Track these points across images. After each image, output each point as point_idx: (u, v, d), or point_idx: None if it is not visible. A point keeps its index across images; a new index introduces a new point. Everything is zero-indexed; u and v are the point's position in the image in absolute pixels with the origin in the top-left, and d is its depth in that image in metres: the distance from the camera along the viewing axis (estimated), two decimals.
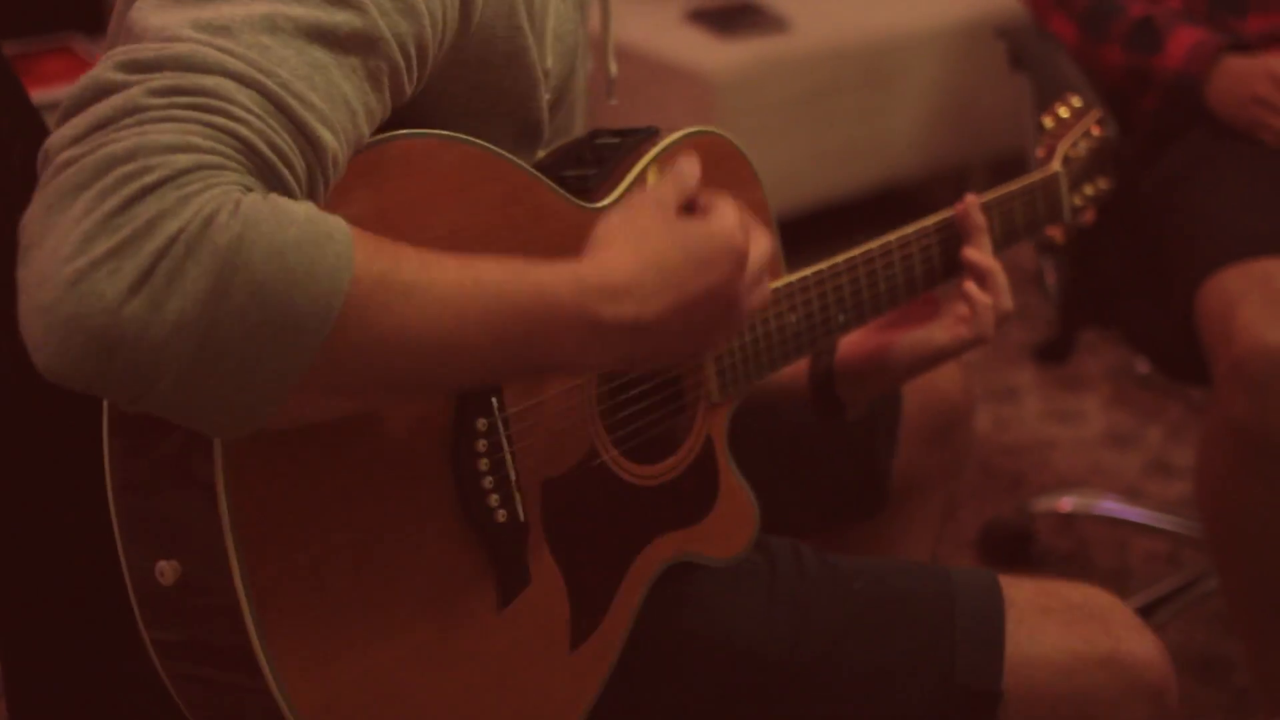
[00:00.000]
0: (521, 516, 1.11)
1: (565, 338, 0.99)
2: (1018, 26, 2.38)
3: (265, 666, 0.96)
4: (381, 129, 1.01)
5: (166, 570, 0.97)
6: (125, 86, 0.86)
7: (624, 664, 1.20)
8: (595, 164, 1.21)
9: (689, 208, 1.12)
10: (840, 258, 1.37)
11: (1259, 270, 1.88)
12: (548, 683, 1.15)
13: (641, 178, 1.23)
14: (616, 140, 1.24)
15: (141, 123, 0.84)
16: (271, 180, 0.88)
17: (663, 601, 1.24)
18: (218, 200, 0.83)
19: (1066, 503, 2.60)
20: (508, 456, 1.10)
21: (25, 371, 0.86)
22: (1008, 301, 1.40)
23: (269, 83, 0.88)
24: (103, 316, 0.81)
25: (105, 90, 0.86)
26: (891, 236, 1.40)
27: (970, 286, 1.40)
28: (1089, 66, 2.21)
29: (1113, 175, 1.69)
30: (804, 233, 3.24)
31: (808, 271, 1.34)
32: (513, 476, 1.10)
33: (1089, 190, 1.65)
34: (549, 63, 1.20)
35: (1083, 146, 1.64)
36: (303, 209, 0.87)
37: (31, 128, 1.20)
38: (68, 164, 0.84)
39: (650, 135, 1.26)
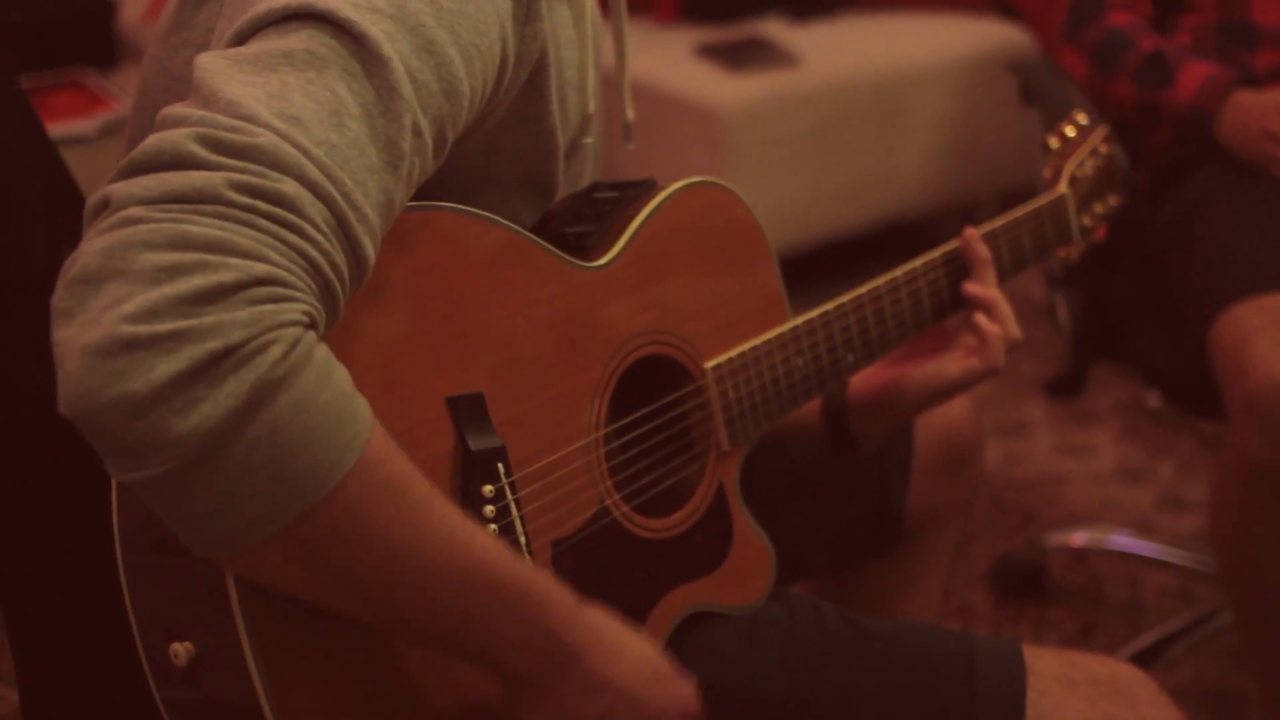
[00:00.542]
0: None
1: (515, 628, 0.99)
2: (1029, 61, 2.38)
3: None
4: None
5: (180, 652, 0.98)
6: (206, 166, 0.87)
7: None
8: (594, 220, 1.21)
9: None
10: (846, 297, 1.36)
11: (1273, 305, 1.87)
12: None
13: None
14: (615, 194, 1.24)
15: (223, 218, 0.85)
16: (326, 297, 0.90)
17: (682, 653, 1.23)
18: (279, 334, 0.85)
19: (1079, 537, 2.60)
20: (516, 521, 1.10)
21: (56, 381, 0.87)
22: (1015, 330, 1.40)
23: (336, 195, 0.90)
24: (143, 387, 0.82)
25: (183, 162, 0.87)
26: (898, 272, 1.40)
27: (979, 318, 1.40)
28: (1100, 101, 2.21)
29: (1122, 191, 1.67)
30: (813, 267, 3.25)
31: (814, 314, 1.34)
32: (522, 540, 1.10)
33: (1099, 208, 1.64)
34: (591, 108, 1.21)
35: (1090, 165, 1.62)
36: (341, 380, 0.89)
37: (50, 164, 1.21)
38: (138, 221, 0.85)
39: (649, 188, 1.26)
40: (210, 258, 0.84)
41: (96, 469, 1.03)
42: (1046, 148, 1.64)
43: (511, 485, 1.09)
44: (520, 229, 1.13)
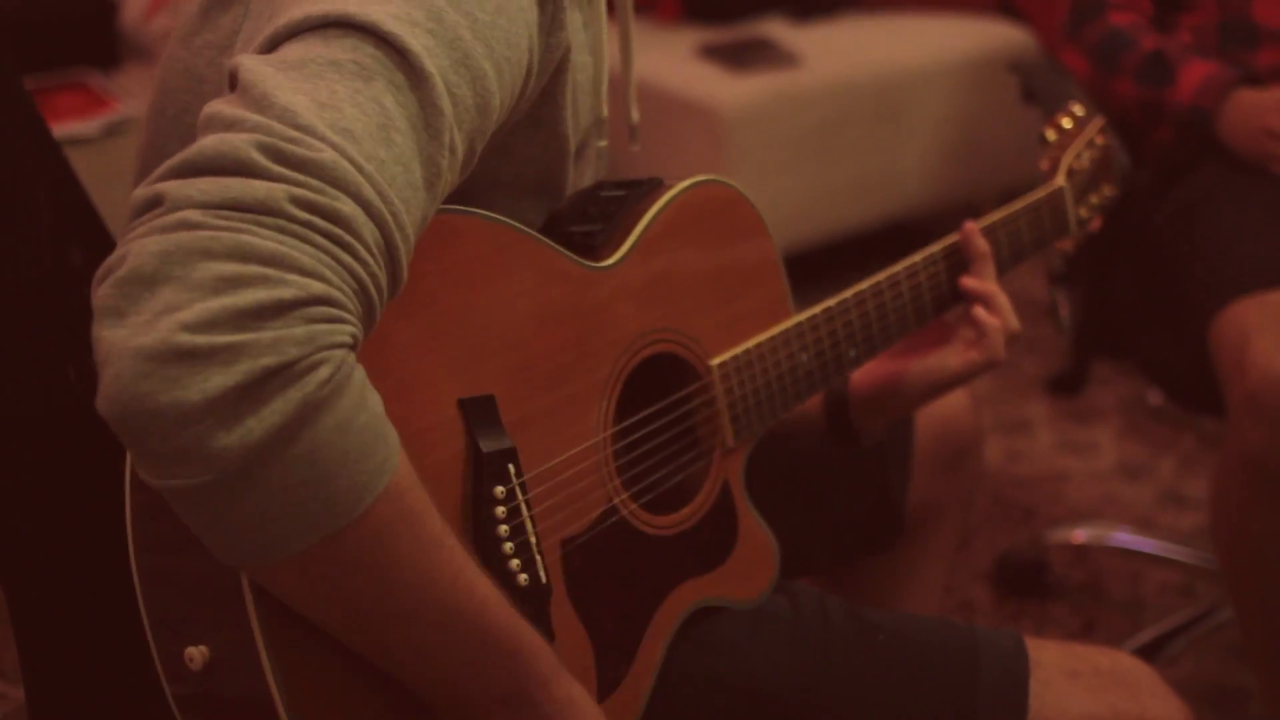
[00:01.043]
0: (543, 579, 1.11)
1: (496, 680, 1.00)
2: (1029, 60, 2.39)
3: None
4: None
5: (195, 656, 0.98)
6: (267, 176, 0.86)
7: (652, 709, 1.20)
8: (601, 219, 1.21)
9: None
10: (848, 292, 1.37)
11: (1273, 302, 1.88)
12: None
13: None
14: (621, 193, 1.24)
15: (282, 230, 0.85)
16: (368, 315, 0.91)
17: (688, 646, 1.24)
18: (329, 354, 0.86)
19: (1080, 534, 2.60)
20: (527, 521, 1.10)
21: (68, 401, 0.87)
22: (1014, 322, 1.41)
23: (387, 216, 0.90)
24: (196, 396, 0.82)
25: (244, 169, 0.86)
26: (898, 267, 1.40)
27: (977, 311, 1.40)
28: (1101, 100, 2.21)
29: (1118, 181, 1.68)
30: (815, 266, 3.25)
31: (816, 309, 1.35)
32: (533, 540, 1.11)
33: (1095, 199, 1.65)
34: (604, 111, 1.22)
35: (1086, 157, 1.63)
36: (375, 403, 0.90)
37: (55, 163, 1.22)
38: (196, 225, 0.84)
39: (655, 187, 1.26)
40: (271, 272, 0.84)
41: (104, 467, 1.04)
42: (1043, 140, 1.65)
43: (522, 486, 1.10)
44: (529, 230, 1.13)
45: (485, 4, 1.00)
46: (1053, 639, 1.31)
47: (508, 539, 1.08)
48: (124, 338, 0.83)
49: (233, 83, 0.93)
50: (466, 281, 1.08)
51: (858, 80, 3.52)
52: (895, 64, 3.58)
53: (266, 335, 0.83)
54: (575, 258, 1.17)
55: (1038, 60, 2.36)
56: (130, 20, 3.47)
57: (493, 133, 1.10)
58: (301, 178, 0.87)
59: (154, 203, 0.86)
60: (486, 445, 1.07)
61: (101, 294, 0.85)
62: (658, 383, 1.26)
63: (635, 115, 1.39)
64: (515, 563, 1.09)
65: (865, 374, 1.44)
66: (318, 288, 0.85)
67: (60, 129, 2.90)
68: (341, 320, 0.87)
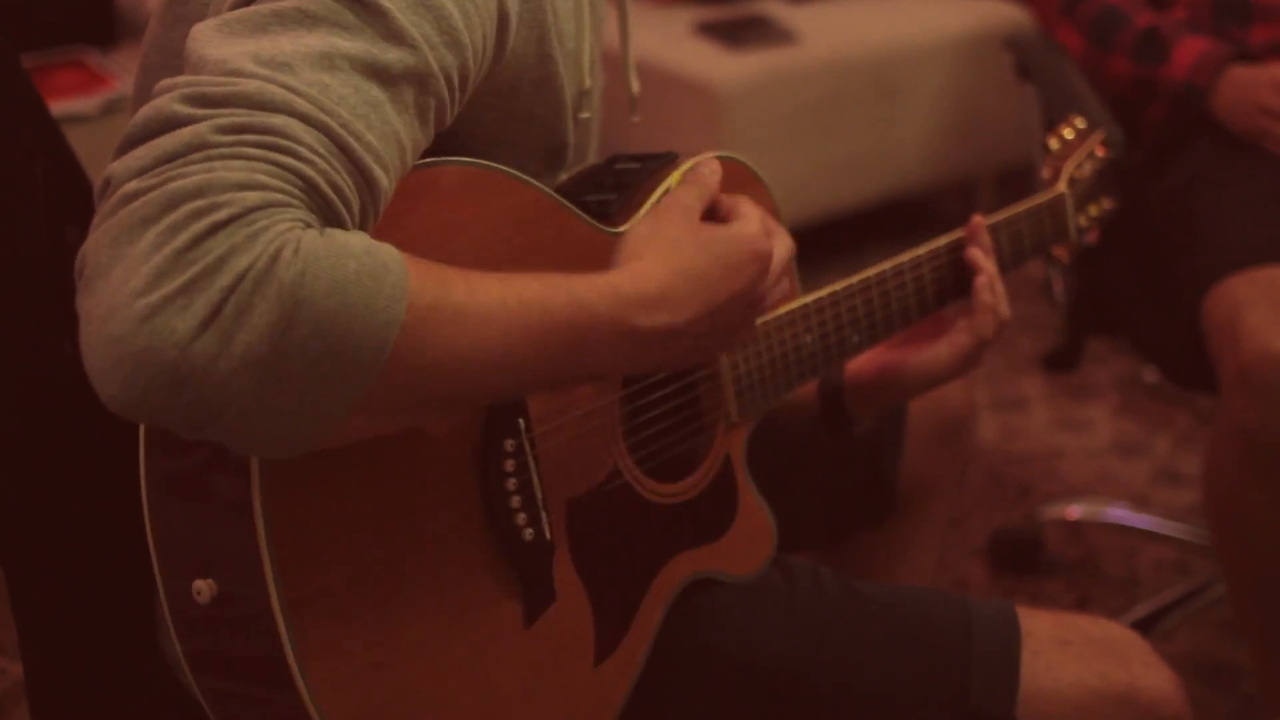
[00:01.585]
0: (548, 535, 1.12)
1: (604, 347, 1.02)
2: (1025, 37, 2.39)
3: (300, 682, 0.97)
4: None
5: (203, 589, 0.99)
6: (192, 120, 0.86)
7: (645, 677, 1.22)
8: (615, 189, 1.22)
9: (713, 212, 1.16)
10: (854, 279, 1.38)
11: (1265, 278, 1.89)
12: (574, 697, 1.16)
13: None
14: (636, 165, 1.25)
15: (209, 159, 0.85)
16: (330, 217, 0.89)
17: (683, 616, 1.25)
18: (281, 238, 0.85)
19: (1075, 511, 2.61)
20: (534, 476, 1.11)
21: (65, 377, 0.87)
22: (1005, 309, 1.43)
23: (332, 123, 0.89)
24: (173, 351, 0.82)
25: (171, 123, 0.87)
26: (904, 257, 1.42)
27: (979, 281, 1.42)
28: (1096, 77, 2.22)
29: (1117, 196, 1.70)
30: (812, 244, 3.25)
31: (823, 293, 1.36)
32: (539, 496, 1.12)
33: (1094, 210, 1.67)
34: (586, 84, 1.22)
35: (1088, 168, 1.66)
36: (359, 242, 0.89)
37: (53, 141, 1.22)
38: (134, 195, 0.85)
39: (669, 160, 1.27)
40: (201, 203, 0.84)
41: (99, 441, 1.05)
42: (1046, 148, 1.67)
43: (531, 441, 1.11)
44: (549, 190, 1.14)
45: None
46: (1049, 610, 1.32)
47: (515, 492, 1.09)
48: (93, 334, 0.84)
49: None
50: (485, 236, 1.08)
51: (855, 57, 3.52)
52: (892, 41, 3.58)
53: (210, 259, 0.83)
54: (591, 220, 1.17)
55: (1033, 37, 2.36)
56: None
57: (497, 95, 1.10)
58: (226, 110, 0.87)
59: (104, 186, 0.87)
60: None
61: (78, 301, 0.86)
62: None
63: (635, 86, 1.40)
64: (521, 517, 1.10)
65: (862, 363, 1.45)
66: (253, 197, 0.85)
67: (58, 107, 2.90)
68: (284, 210, 0.86)
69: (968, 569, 2.54)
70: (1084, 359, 2.37)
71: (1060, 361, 2.37)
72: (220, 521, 0.98)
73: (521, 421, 1.10)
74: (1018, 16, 3.73)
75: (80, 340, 0.85)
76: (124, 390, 0.83)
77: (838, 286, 1.37)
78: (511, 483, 1.09)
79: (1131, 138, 2.19)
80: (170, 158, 0.85)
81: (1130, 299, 2.19)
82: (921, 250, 1.43)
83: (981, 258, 1.43)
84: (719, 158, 1.29)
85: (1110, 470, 2.84)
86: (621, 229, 1.19)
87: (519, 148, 1.18)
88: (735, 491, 1.32)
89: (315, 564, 0.98)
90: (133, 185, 0.85)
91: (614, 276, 1.05)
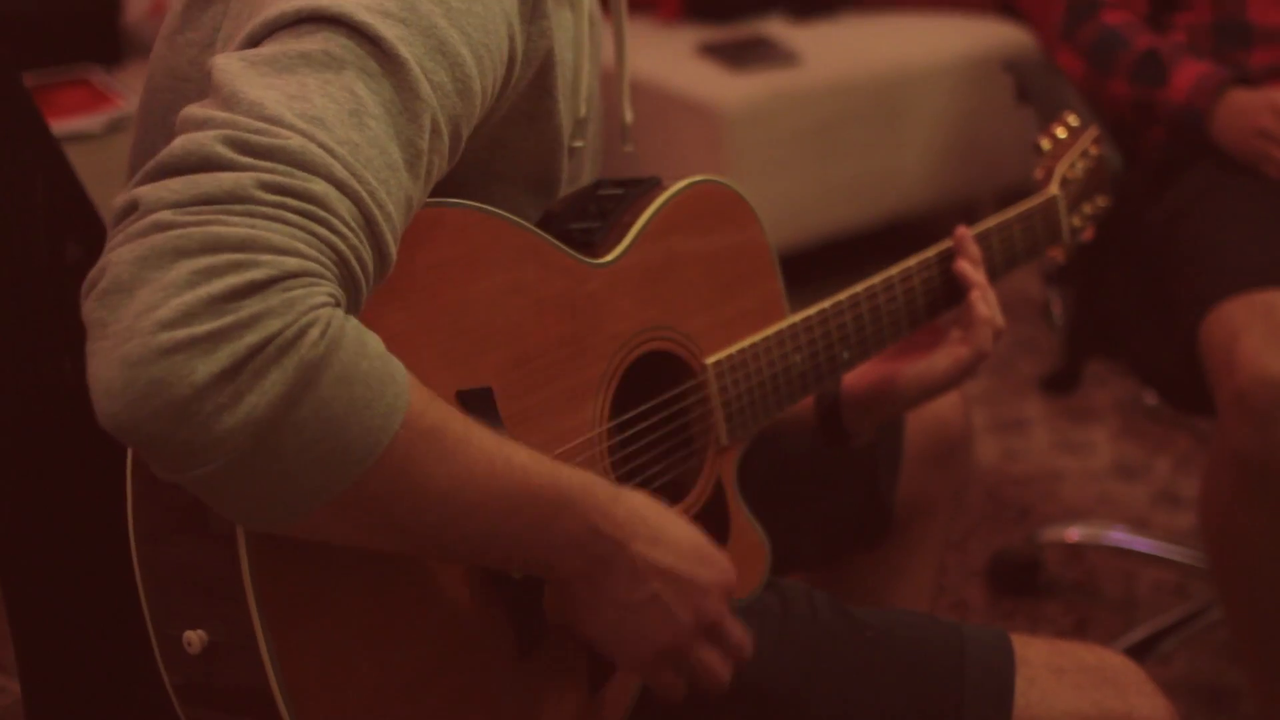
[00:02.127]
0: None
1: (561, 534, 1.03)
2: (1025, 60, 2.40)
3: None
4: None
5: (194, 640, 0.99)
6: (234, 167, 0.88)
7: (642, 703, 1.22)
8: (599, 217, 1.22)
9: None
10: (842, 294, 1.38)
11: (1262, 301, 1.89)
12: None
13: None
14: (620, 191, 1.25)
15: (251, 215, 0.87)
16: (352, 290, 0.92)
17: None
18: (314, 313, 0.87)
19: (1074, 533, 2.61)
20: None
21: (63, 394, 0.88)
22: (1000, 318, 1.43)
23: (362, 191, 0.91)
24: (186, 391, 0.83)
25: (211, 163, 0.88)
26: (893, 270, 1.41)
27: (973, 296, 1.42)
28: (1095, 100, 2.22)
29: (1110, 192, 1.70)
30: (813, 265, 3.26)
31: (811, 311, 1.36)
32: None
33: (1087, 209, 1.66)
34: (582, 112, 1.23)
35: (1080, 167, 1.65)
36: (376, 345, 0.91)
37: (53, 160, 1.23)
38: (168, 226, 0.85)
39: (653, 186, 1.27)
40: (243, 257, 0.85)
41: (99, 459, 1.05)
42: (1038, 149, 1.66)
43: None
44: (529, 225, 1.14)
45: None
46: (1044, 637, 1.32)
47: None
48: (108, 349, 0.84)
49: (208, 83, 0.94)
50: (464, 274, 1.09)
51: (857, 79, 3.53)
52: (895, 63, 3.59)
53: (244, 314, 0.84)
54: (573, 253, 1.18)
55: (1032, 60, 2.37)
56: (134, 17, 3.48)
57: (489, 125, 1.11)
58: (269, 164, 0.88)
59: (129, 209, 0.88)
60: None
61: (87, 309, 0.86)
62: (653, 380, 1.27)
63: (629, 116, 1.40)
64: None
65: (858, 376, 1.45)
66: (292, 263, 0.86)
67: (63, 125, 2.91)
68: (319, 284, 0.88)
69: (967, 591, 2.54)
70: (1084, 381, 2.38)
71: (1060, 384, 2.37)
72: (207, 573, 0.98)
73: None
74: (1018, 39, 3.74)
75: (87, 348, 0.86)
76: (127, 410, 0.84)
77: (825, 304, 1.36)
78: None
79: (1131, 160, 2.19)
80: (211, 200, 0.87)
81: (1128, 321, 2.20)
82: (910, 262, 1.43)
83: (971, 270, 1.43)
84: (704, 181, 1.29)
85: (1110, 493, 2.84)
86: (605, 259, 1.20)
87: (508, 181, 1.18)
88: (727, 515, 1.32)
89: (305, 613, 0.98)
90: (168, 215, 0.86)
91: (596, 480, 1.06)
